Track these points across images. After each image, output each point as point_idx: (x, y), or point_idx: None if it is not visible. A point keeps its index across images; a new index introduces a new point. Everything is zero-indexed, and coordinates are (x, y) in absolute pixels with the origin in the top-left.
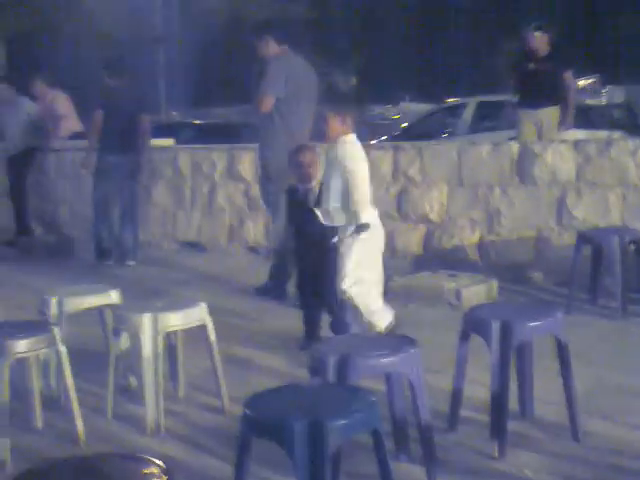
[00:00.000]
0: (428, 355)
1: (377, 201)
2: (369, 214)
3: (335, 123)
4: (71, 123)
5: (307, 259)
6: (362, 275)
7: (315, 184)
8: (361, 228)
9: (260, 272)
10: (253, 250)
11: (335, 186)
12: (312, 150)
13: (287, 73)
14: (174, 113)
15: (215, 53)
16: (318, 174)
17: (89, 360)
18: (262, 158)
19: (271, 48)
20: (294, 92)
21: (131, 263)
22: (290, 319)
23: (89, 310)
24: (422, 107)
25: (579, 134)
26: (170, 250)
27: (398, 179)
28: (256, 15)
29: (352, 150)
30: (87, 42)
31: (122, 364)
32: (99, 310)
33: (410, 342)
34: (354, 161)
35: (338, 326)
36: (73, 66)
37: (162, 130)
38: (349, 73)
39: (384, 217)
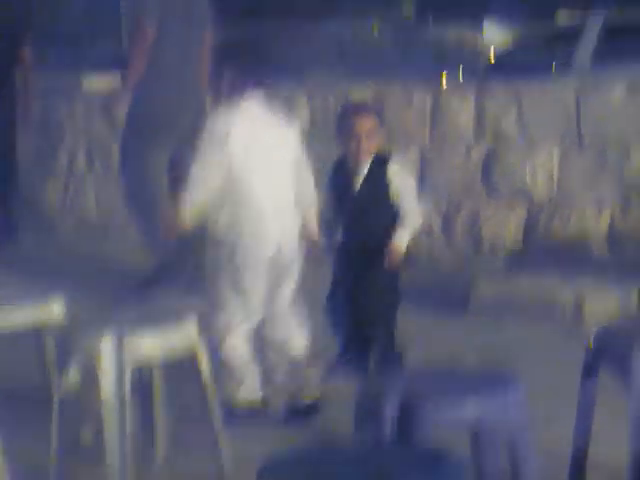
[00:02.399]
0: (534, 400)
1: (452, 170)
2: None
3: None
4: None
5: (347, 267)
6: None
7: (367, 161)
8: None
9: None
10: None
11: None
12: (370, 113)
13: None
14: None
15: None
16: (376, 146)
17: (21, 405)
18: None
19: None
20: (177, 13)
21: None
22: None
23: (19, 330)
24: (519, 26)
25: None
26: (139, 241)
27: (484, 136)
28: None
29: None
30: None
31: (71, 411)
32: (35, 330)
33: (507, 379)
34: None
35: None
36: None
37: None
38: None
39: (463, 191)
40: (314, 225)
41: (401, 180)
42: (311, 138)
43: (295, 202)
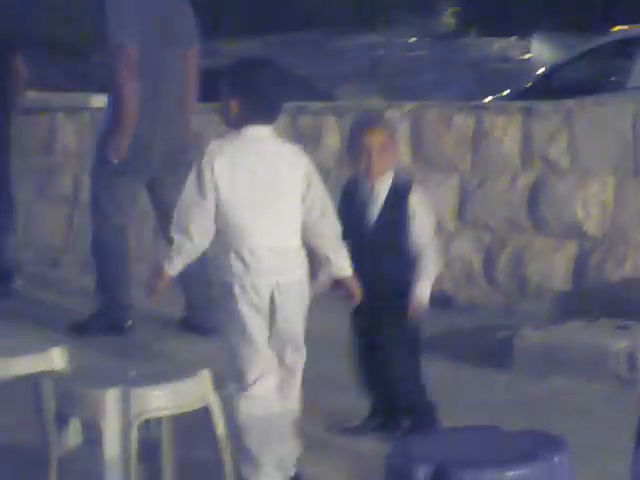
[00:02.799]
0: (583, 467)
1: (496, 201)
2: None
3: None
4: None
5: (362, 318)
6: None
7: (384, 181)
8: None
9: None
10: None
11: None
12: (384, 127)
13: (138, 5)
14: None
15: None
16: (391, 165)
17: (15, 465)
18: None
19: None
20: (153, 32)
21: (18, 282)
22: (341, 393)
23: (16, 381)
24: (570, 41)
25: None
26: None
27: (531, 164)
28: None
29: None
30: None
31: (71, 472)
32: (33, 381)
33: (553, 443)
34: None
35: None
36: None
37: None
38: None
39: (507, 225)
40: (343, 259)
41: (422, 215)
42: (341, 161)
43: (313, 236)
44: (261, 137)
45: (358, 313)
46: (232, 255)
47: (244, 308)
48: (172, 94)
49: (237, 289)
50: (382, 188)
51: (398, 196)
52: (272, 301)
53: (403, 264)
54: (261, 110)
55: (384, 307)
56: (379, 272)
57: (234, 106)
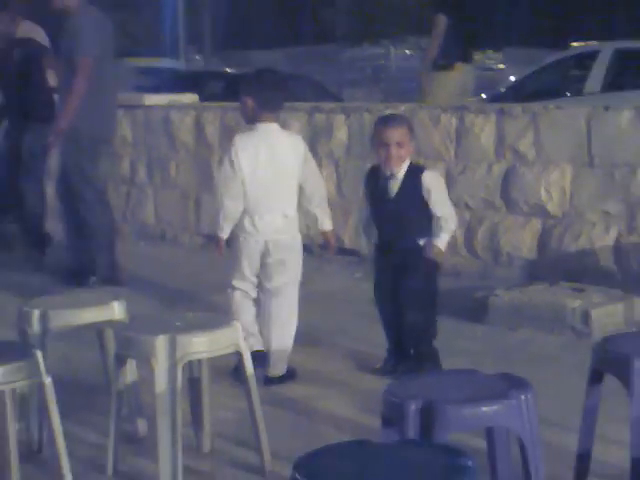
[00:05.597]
0: (545, 402)
1: (475, 185)
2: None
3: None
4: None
5: (385, 269)
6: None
7: (402, 168)
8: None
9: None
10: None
11: None
12: (401, 124)
13: (99, 31)
14: (197, 57)
15: None
16: (406, 154)
17: (83, 397)
18: (75, 129)
19: (71, 1)
20: (105, 50)
21: None
22: (364, 339)
23: (83, 328)
24: (537, 54)
25: None
26: (191, 246)
27: (504, 155)
28: None
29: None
30: None
31: (128, 403)
32: (97, 328)
33: (520, 384)
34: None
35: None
36: None
37: (181, 81)
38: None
39: (484, 205)
40: (325, 216)
41: (436, 187)
42: (349, 152)
43: (306, 199)
44: (271, 130)
45: (379, 264)
46: (247, 218)
47: (244, 251)
48: (116, 92)
49: (241, 240)
50: (400, 173)
51: (413, 177)
52: (267, 250)
53: (417, 228)
54: (268, 105)
55: (404, 264)
56: (398, 235)
57: (249, 103)
